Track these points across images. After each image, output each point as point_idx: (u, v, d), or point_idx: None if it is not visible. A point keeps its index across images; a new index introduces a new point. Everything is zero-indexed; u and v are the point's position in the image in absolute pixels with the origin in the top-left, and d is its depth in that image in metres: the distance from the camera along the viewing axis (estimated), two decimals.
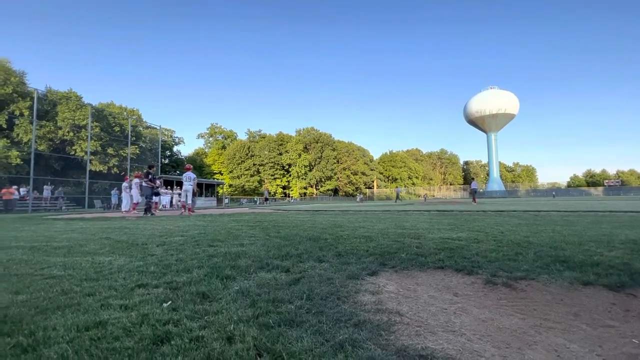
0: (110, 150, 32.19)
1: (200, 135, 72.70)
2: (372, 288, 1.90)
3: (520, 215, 7.58)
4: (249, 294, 1.77)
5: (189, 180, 12.16)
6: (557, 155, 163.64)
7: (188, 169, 12.47)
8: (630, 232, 4.07)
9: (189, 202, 12.12)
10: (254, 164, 64.72)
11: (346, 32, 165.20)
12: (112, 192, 23.18)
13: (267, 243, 3.60)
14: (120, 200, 21.98)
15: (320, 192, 67.34)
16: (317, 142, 68.56)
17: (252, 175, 63.88)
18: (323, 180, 67.14)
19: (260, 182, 64.90)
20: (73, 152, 29.76)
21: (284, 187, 67.40)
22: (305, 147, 68.49)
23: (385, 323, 1.39)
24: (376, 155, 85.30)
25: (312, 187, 67.71)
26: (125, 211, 14.48)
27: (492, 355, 1.13)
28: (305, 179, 66.10)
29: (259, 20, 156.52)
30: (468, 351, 1.16)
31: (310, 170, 66.67)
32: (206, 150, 70.47)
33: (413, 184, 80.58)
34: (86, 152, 26.89)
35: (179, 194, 20.75)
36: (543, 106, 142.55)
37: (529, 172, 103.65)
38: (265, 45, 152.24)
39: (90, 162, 26.27)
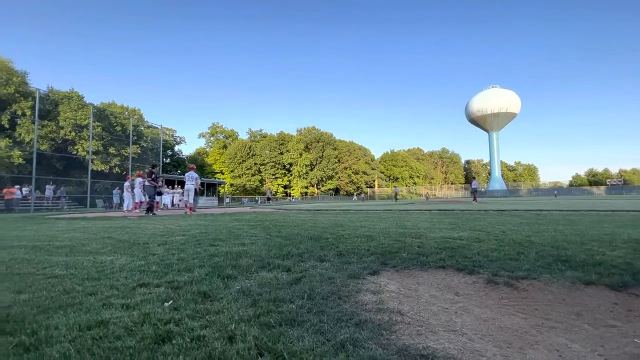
0: (111, 150, 32.28)
1: (201, 135, 72.91)
2: (373, 287, 1.90)
3: (522, 214, 7.56)
4: (250, 293, 1.77)
5: (191, 179, 12.21)
6: (559, 154, 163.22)
7: (191, 169, 12.54)
8: (633, 231, 4.05)
9: (191, 201, 12.16)
10: (255, 164, 64.80)
11: (347, 32, 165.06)
12: (114, 191, 23.26)
13: (268, 242, 3.61)
14: (122, 199, 22.07)
15: (322, 191, 67.35)
16: (318, 142, 68.57)
17: (253, 175, 63.97)
18: (324, 179, 67.16)
19: (262, 181, 64.98)
20: (75, 152, 29.86)
21: (285, 187, 67.47)
22: (307, 147, 68.51)
23: (386, 322, 1.39)
24: (377, 154, 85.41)
25: (313, 186, 67.74)
26: (127, 210, 14.52)
27: (493, 354, 1.13)
28: (306, 179, 66.13)
29: (259, 20, 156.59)
30: (469, 351, 1.16)
31: (311, 170, 66.70)
32: (207, 149, 70.60)
33: (414, 183, 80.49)
34: (88, 152, 26.96)
35: (179, 193, 20.83)
36: (545, 105, 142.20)
37: (531, 171, 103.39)
38: (266, 45, 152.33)
39: (92, 162, 26.35)
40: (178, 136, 57.80)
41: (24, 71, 29.20)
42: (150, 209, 11.12)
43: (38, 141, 24.41)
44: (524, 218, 6.41)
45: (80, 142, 30.17)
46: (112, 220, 8.41)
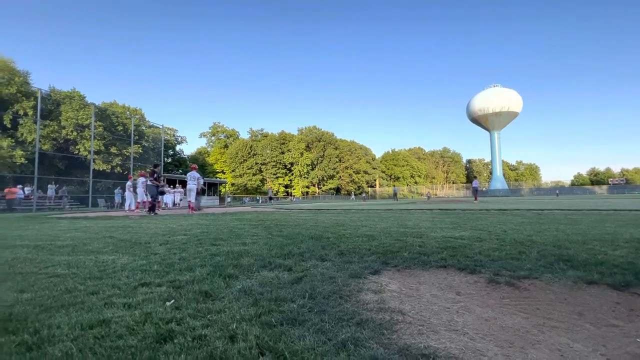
0: (113, 150, 32.35)
1: (202, 135, 72.91)
2: (375, 287, 1.90)
3: (524, 213, 7.54)
4: (252, 292, 1.77)
5: (193, 179, 12.25)
6: (560, 153, 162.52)
7: (193, 169, 12.58)
8: (635, 230, 4.04)
9: (193, 200, 12.20)
10: (256, 163, 64.83)
11: (347, 31, 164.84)
12: (116, 191, 23.33)
13: (270, 242, 3.61)
14: (123, 199, 22.13)
15: (323, 190, 67.36)
16: (319, 141, 68.54)
17: (254, 174, 64.00)
18: (325, 179, 67.14)
19: (263, 180, 65.01)
20: (77, 152, 29.92)
21: (286, 186, 67.48)
22: (308, 146, 68.49)
23: (387, 322, 1.39)
24: (378, 153, 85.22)
25: (314, 185, 67.74)
26: (128, 210, 14.56)
27: (495, 354, 1.13)
28: (307, 178, 66.12)
29: (260, 19, 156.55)
30: (471, 350, 1.16)
31: (312, 169, 66.68)
32: (208, 149, 70.65)
33: (415, 182, 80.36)
34: (89, 152, 27.04)
35: (181, 193, 20.87)
36: (546, 104, 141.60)
37: (533, 170, 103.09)
38: (266, 45, 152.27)
39: (93, 162, 26.43)
40: (179, 136, 57.86)
41: (26, 71, 29.28)
42: (152, 208, 11.14)
43: (40, 141, 24.48)
44: (526, 217, 6.40)
45: (82, 141, 30.23)
46: (113, 219, 8.43)
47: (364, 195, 57.57)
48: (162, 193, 12.37)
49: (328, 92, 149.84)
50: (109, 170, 31.76)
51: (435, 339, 1.24)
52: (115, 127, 33.28)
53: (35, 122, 24.40)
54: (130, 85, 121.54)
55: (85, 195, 24.76)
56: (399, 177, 79.19)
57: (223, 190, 36.61)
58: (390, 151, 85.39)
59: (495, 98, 69.94)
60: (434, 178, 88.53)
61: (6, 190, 18.49)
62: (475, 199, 22.00)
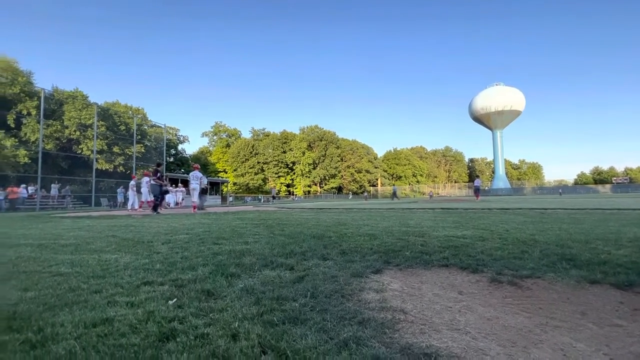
0: (116, 149, 32.46)
1: (204, 134, 73.07)
2: (377, 286, 1.90)
3: (526, 213, 7.51)
4: (254, 291, 1.77)
5: (196, 179, 12.28)
6: (564, 152, 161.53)
7: (195, 168, 12.61)
8: (639, 230, 4.01)
9: (195, 200, 12.25)
10: (258, 162, 64.89)
11: (349, 30, 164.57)
12: (118, 190, 23.42)
13: (272, 241, 3.62)
14: (126, 198, 22.21)
15: (324, 190, 67.35)
16: (321, 140, 68.50)
17: (256, 174, 64.06)
18: (327, 178, 67.12)
19: (265, 180, 65.08)
20: (79, 151, 30.06)
21: (288, 185, 67.52)
22: (309, 145, 68.47)
23: (389, 321, 1.39)
24: (380, 153, 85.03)
25: (316, 185, 67.75)
26: (131, 209, 14.62)
27: (497, 353, 1.13)
28: (309, 177, 66.13)
29: (261, 18, 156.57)
30: (473, 349, 1.15)
31: (314, 168, 66.68)
32: (210, 148, 70.80)
33: (417, 181, 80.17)
34: (92, 151, 27.15)
35: (182, 192, 20.93)
36: (550, 102, 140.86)
37: (535, 169, 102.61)
38: (268, 44, 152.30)
39: (96, 161, 26.54)
40: (181, 135, 57.96)
41: (29, 71, 29.43)
42: (155, 207, 11.17)
43: (43, 140, 24.61)
44: (528, 217, 6.37)
45: (85, 141, 30.36)
46: (116, 219, 8.47)
47: (365, 194, 57.59)
48: (166, 192, 12.39)
49: (330, 91, 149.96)
50: (111, 170, 31.88)
51: (437, 338, 1.24)
52: (118, 126, 33.39)
53: (38, 122, 24.52)
54: (133, 85, 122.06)
55: (88, 195, 24.87)
56: (400, 176, 79.03)
57: (225, 189, 36.67)
58: (392, 150, 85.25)
59: (497, 96, 69.60)
60: (436, 177, 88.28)
61: (8, 189, 18.61)
62: (477, 197, 22.06)
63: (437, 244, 3.21)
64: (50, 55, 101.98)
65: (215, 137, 72.38)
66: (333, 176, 67.46)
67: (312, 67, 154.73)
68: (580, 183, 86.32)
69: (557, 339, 1.25)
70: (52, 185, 24.53)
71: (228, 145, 69.62)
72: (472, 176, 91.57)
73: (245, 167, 63.59)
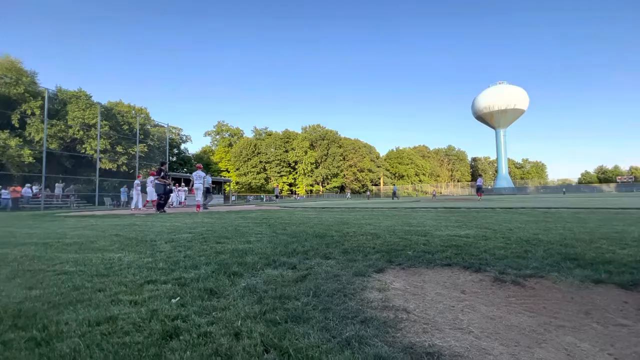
0: (119, 149, 32.63)
1: (207, 133, 73.24)
2: (379, 285, 1.90)
3: (529, 212, 7.47)
4: (256, 290, 1.78)
5: (199, 178, 12.33)
6: (567, 151, 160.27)
7: (198, 168, 12.67)
8: None
9: (199, 199, 12.30)
10: (260, 162, 65.01)
11: (351, 29, 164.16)
12: (122, 189, 23.56)
13: (274, 240, 3.62)
14: (130, 197, 22.34)
15: (327, 189, 67.37)
16: (323, 139, 68.50)
17: (258, 173, 64.19)
18: (329, 177, 67.13)
19: (267, 179, 65.19)
20: (83, 151, 30.25)
21: (290, 185, 67.59)
22: (312, 145, 68.49)
23: (392, 320, 1.39)
24: (383, 152, 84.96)
25: (318, 184, 67.77)
26: (134, 208, 14.70)
27: (500, 353, 1.12)
28: (311, 176, 66.18)
29: (263, 18, 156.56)
30: (476, 349, 1.15)
31: (316, 168, 66.72)
32: (213, 148, 70.96)
33: (420, 181, 79.99)
34: (96, 151, 27.31)
35: (185, 192, 21.02)
36: (553, 101, 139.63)
37: (539, 168, 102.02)
38: (270, 43, 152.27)
39: (100, 160, 26.69)
40: (184, 135, 58.12)
41: (33, 71, 29.64)
42: (159, 206, 11.22)
43: (47, 140, 24.78)
44: (532, 216, 6.34)
45: (89, 140, 30.55)
46: (120, 218, 8.52)
47: (368, 193, 57.58)
48: (170, 191, 12.42)
49: (332, 90, 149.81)
50: (115, 169, 32.07)
51: (440, 338, 1.23)
52: (121, 126, 33.57)
53: (42, 122, 24.71)
54: (136, 85, 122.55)
55: (92, 194, 25.04)
56: (403, 176, 78.88)
57: (227, 188, 36.78)
58: (395, 149, 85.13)
59: (501, 95, 69.15)
60: (438, 176, 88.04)
61: (10, 189, 18.78)
62: (479, 196, 22.10)
63: (439, 243, 3.20)
64: (54, 56, 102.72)
65: (217, 137, 72.55)
66: (335, 175, 67.45)
67: (315, 66, 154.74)
68: (585, 182, 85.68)
69: (560, 338, 1.24)
70: (56, 184, 24.75)
71: (230, 145, 69.78)
72: (474, 175, 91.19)
73: (247, 166, 63.72)
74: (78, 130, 29.96)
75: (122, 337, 1.23)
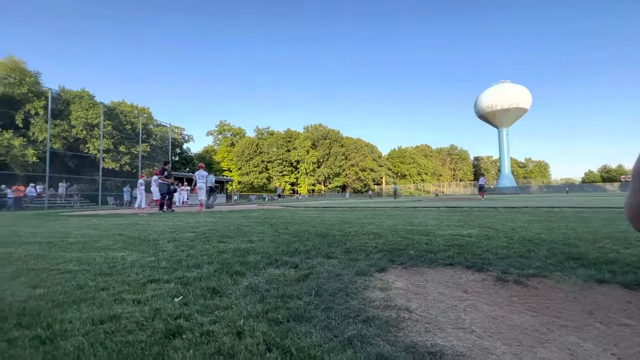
0: (122, 148, 32.76)
1: (209, 133, 73.42)
2: (381, 284, 1.90)
3: (532, 211, 7.44)
4: (258, 289, 1.78)
5: (202, 178, 12.37)
6: (571, 150, 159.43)
7: (200, 167, 12.71)
8: None
9: (202, 198, 12.35)
10: (263, 161, 65.10)
11: (353, 28, 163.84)
12: (125, 189, 23.66)
13: (276, 239, 3.63)
14: (132, 197, 22.43)
15: (329, 188, 67.35)
16: (325, 139, 68.47)
17: (260, 172, 64.30)
18: (331, 176, 67.11)
19: (269, 178, 65.26)
20: (86, 150, 30.39)
21: (292, 184, 67.64)
22: (314, 144, 68.49)
23: (394, 319, 1.39)
24: (385, 151, 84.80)
25: (320, 183, 67.77)
26: (137, 208, 14.77)
27: (502, 352, 1.12)
28: (313, 176, 66.19)
29: (266, 17, 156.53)
30: (478, 348, 1.15)
31: (318, 167, 66.72)
32: (215, 147, 71.11)
33: (422, 180, 79.79)
34: (99, 150, 27.44)
35: (187, 191, 21.09)
36: (557, 100, 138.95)
37: (542, 167, 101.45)
38: (272, 42, 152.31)
39: (102, 160, 26.81)
40: (186, 134, 58.24)
41: (36, 71, 29.80)
42: (162, 205, 11.25)
43: (51, 140, 24.91)
44: (535, 215, 6.31)
45: (92, 140, 30.68)
46: (122, 217, 8.56)
47: (370, 193, 57.56)
48: (174, 191, 12.45)
49: (334, 90, 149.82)
50: (117, 169, 32.20)
51: (442, 337, 1.23)
52: (124, 126, 33.69)
53: (46, 122, 24.85)
54: (138, 85, 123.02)
55: (95, 193, 25.15)
56: (405, 175, 78.71)
57: (230, 188, 36.85)
58: (397, 149, 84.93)
59: (503, 94, 68.81)
60: (440, 175, 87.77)
61: (14, 188, 18.90)
62: (481, 196, 22.09)
63: (442, 243, 3.19)
64: (57, 56, 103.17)
65: (220, 136, 72.71)
66: (337, 175, 67.41)
67: (317, 65, 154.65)
68: (588, 181, 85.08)
69: (564, 338, 1.23)
70: (60, 184, 24.89)
71: (233, 144, 69.90)
72: (477, 175, 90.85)
73: (249, 165, 63.83)
74: (81, 130, 30.11)
75: (125, 336, 1.24)
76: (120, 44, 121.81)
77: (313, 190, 67.06)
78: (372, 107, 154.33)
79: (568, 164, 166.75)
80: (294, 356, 1.07)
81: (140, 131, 30.40)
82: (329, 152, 67.16)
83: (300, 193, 65.25)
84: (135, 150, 31.99)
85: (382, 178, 75.20)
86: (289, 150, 66.98)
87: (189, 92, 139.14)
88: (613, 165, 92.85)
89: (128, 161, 32.79)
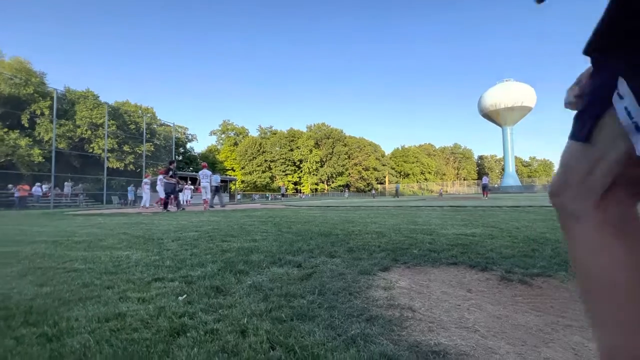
0: (126, 148, 33.01)
1: (212, 132, 73.65)
2: (384, 284, 1.90)
3: (537, 210, 7.38)
4: (262, 288, 1.79)
5: (206, 177, 12.44)
6: None
7: (204, 167, 12.78)
8: None
9: (206, 197, 12.41)
10: (266, 160, 65.21)
11: (355, 27, 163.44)
12: (129, 188, 23.83)
13: (279, 238, 3.64)
14: (136, 196, 22.58)
15: (332, 187, 67.34)
16: (328, 138, 68.42)
17: (263, 172, 64.41)
18: (334, 176, 67.07)
19: (272, 178, 65.38)
20: (91, 150, 30.65)
21: (295, 183, 67.71)
22: (317, 143, 68.48)
23: (397, 318, 1.39)
24: (388, 150, 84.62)
25: (323, 182, 67.77)
26: (143, 207, 14.86)
27: (506, 352, 1.12)
28: (316, 175, 66.20)
29: (268, 16, 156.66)
30: (482, 348, 1.14)
31: (321, 166, 66.70)
32: (218, 147, 71.35)
33: (425, 179, 79.51)
34: (103, 150, 27.66)
35: (190, 190, 21.19)
36: (561, 98, 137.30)
37: (546, 166, 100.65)
38: (274, 42, 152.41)
39: (107, 160, 27.02)
40: (190, 134, 58.53)
41: (42, 72, 30.13)
42: (166, 205, 11.32)
43: (56, 140, 25.14)
44: (539, 214, 6.26)
45: (96, 140, 30.95)
46: (127, 216, 8.63)
47: (373, 192, 57.48)
48: (180, 190, 12.52)
49: (337, 88, 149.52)
50: (122, 168, 32.45)
51: (446, 336, 1.23)
52: (128, 125, 33.93)
53: (51, 122, 25.08)
54: (142, 85, 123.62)
55: (100, 193, 25.36)
56: (408, 174, 78.46)
57: (233, 187, 36.97)
58: (400, 148, 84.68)
59: (507, 93, 68.17)
60: (444, 175, 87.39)
61: (18, 187, 19.09)
62: (485, 195, 22.02)
63: (445, 242, 3.18)
64: (62, 56, 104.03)
65: (223, 136, 72.92)
66: (340, 174, 67.35)
67: (319, 65, 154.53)
68: None
69: (568, 338, 1.23)
70: (65, 183, 25.12)
71: (236, 144, 70.07)
72: (481, 174, 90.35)
73: (252, 165, 63.96)
74: (86, 130, 30.37)
75: (130, 334, 1.25)
76: (123, 44, 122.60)
77: (316, 190, 67.07)
78: (375, 106, 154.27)
79: None
80: (298, 354, 1.07)
81: (144, 131, 30.60)
82: (332, 152, 67.09)
83: (303, 192, 65.29)
84: (139, 150, 32.21)
85: (385, 177, 75.03)
86: (292, 150, 67.03)
87: (192, 91, 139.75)
88: None
89: (132, 161, 33.03)
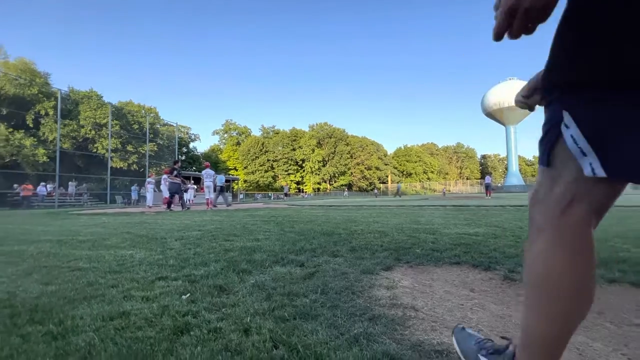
0: (129, 148, 33.20)
1: (215, 132, 73.84)
2: (387, 283, 1.90)
3: None
4: (265, 287, 1.79)
5: (209, 177, 12.49)
6: None
7: (207, 167, 12.83)
8: None
9: (211, 197, 12.47)
10: (268, 160, 65.30)
11: (357, 26, 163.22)
12: (132, 188, 23.96)
13: (282, 238, 3.64)
14: (140, 196, 22.70)
15: (334, 187, 67.31)
16: (330, 137, 68.38)
17: (266, 171, 64.51)
18: (337, 175, 67.02)
19: (275, 177, 65.46)
20: (95, 150, 30.86)
21: (297, 183, 67.76)
22: (319, 143, 68.45)
23: (400, 318, 1.39)
24: (390, 149, 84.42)
25: (325, 182, 67.77)
26: (148, 207, 14.95)
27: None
28: (319, 174, 66.20)
29: (270, 16, 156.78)
30: None
31: (323, 166, 66.70)
32: (221, 146, 71.52)
33: (428, 178, 79.28)
34: (107, 150, 27.82)
35: (194, 189, 21.27)
36: None
37: None
38: (277, 41, 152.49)
39: (111, 159, 27.19)
40: (193, 133, 58.67)
41: (46, 72, 30.39)
42: (169, 204, 11.37)
43: (60, 140, 25.33)
44: None
45: (100, 140, 31.16)
46: (130, 216, 8.68)
47: (376, 191, 57.41)
48: (185, 190, 12.56)
49: (339, 88, 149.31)
50: (125, 168, 32.63)
51: (449, 336, 1.23)
52: (131, 125, 34.12)
53: (55, 122, 25.24)
54: (145, 85, 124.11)
55: (104, 192, 25.53)
56: (411, 173, 78.27)
57: (235, 187, 37.08)
58: (403, 147, 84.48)
59: (511, 91, 67.62)
60: (447, 174, 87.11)
61: (22, 186, 19.24)
62: (488, 194, 21.97)
63: (448, 242, 3.17)
64: (66, 57, 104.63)
65: (225, 135, 73.08)
66: (343, 173, 67.30)
67: (322, 64, 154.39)
68: None
69: (572, 338, 1.21)
70: (70, 183, 25.31)
71: (238, 143, 70.23)
72: (484, 173, 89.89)
73: (255, 164, 64.08)
74: (90, 130, 30.57)
75: (134, 332, 1.26)
76: (127, 44, 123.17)
77: (318, 189, 67.07)
78: (377, 106, 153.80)
79: None
80: (301, 353, 1.07)
81: (148, 131, 30.73)
82: (334, 151, 67.04)
83: (305, 192, 65.30)
84: (143, 150, 32.36)
85: (387, 176, 74.88)
86: (294, 149, 67.06)
87: (195, 92, 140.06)
88: None
89: (136, 160, 33.21)
